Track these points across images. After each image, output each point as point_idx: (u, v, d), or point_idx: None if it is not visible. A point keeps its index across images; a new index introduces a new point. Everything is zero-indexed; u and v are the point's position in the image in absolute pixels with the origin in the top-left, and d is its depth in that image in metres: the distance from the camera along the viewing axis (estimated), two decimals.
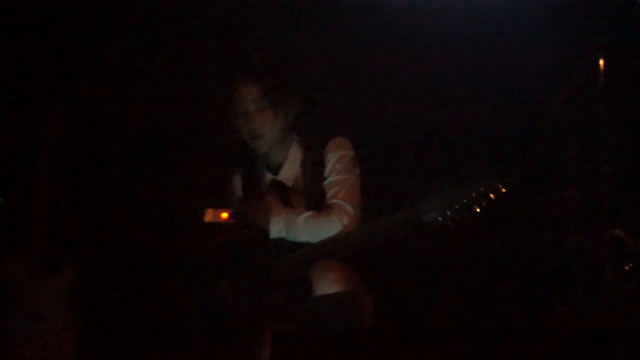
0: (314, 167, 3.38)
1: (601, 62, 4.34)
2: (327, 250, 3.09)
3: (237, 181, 3.59)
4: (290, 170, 3.43)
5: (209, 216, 4.29)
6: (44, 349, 3.70)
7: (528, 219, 4.81)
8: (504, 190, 3.01)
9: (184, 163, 4.66)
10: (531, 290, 4.55)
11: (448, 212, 2.99)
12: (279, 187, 3.42)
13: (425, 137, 4.90)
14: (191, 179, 4.59)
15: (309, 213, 3.23)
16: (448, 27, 4.85)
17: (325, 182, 3.34)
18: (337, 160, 3.36)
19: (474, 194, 2.99)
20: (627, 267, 4.16)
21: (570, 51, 4.62)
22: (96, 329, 4.08)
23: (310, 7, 4.96)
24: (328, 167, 3.36)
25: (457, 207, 2.99)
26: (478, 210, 3.02)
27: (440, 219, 3.00)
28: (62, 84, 4.49)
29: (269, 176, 3.47)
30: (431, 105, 4.94)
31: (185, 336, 3.39)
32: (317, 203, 3.33)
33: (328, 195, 3.32)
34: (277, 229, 3.24)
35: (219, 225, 3.81)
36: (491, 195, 2.99)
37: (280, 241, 3.25)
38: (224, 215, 4.16)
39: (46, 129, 3.85)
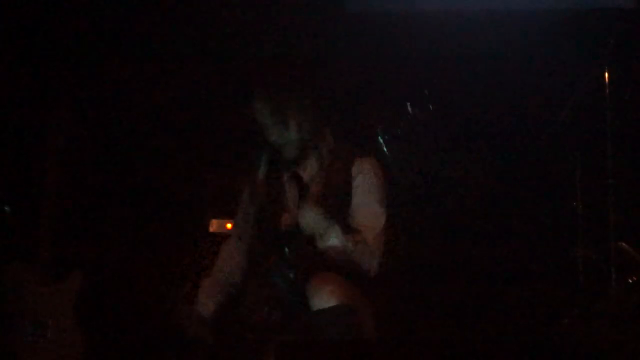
0: (338, 175, 3.37)
1: (607, 74, 4.35)
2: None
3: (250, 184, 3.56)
4: (311, 169, 3.42)
5: (213, 226, 4.31)
6: (48, 356, 3.71)
7: (534, 230, 4.81)
8: None
9: (192, 170, 4.68)
10: (536, 301, 4.55)
11: None
12: (297, 180, 3.39)
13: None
14: (199, 185, 4.60)
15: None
16: (460, 39, 4.87)
17: (353, 201, 3.34)
18: (368, 181, 3.37)
19: None
20: (631, 280, 4.16)
21: (577, 63, 4.63)
22: (101, 336, 4.08)
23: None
24: (358, 183, 3.36)
25: None
26: None
27: None
28: (68, 93, 4.51)
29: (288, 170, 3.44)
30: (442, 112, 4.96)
31: (189, 344, 3.39)
32: (332, 208, 3.29)
33: (355, 218, 3.30)
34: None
35: (224, 235, 3.82)
36: None
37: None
38: (229, 225, 4.17)
39: (52, 137, 3.87)
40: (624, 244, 4.29)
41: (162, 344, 3.92)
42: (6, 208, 4.24)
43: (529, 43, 4.89)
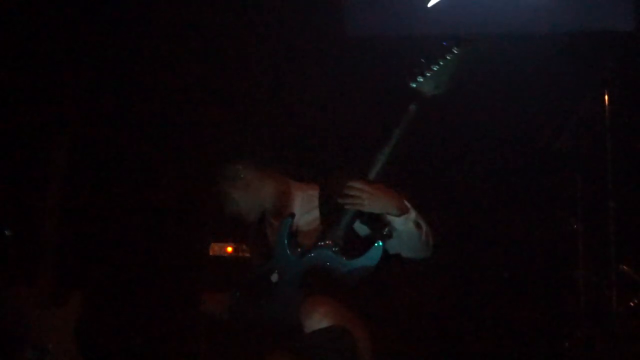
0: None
1: (606, 96, 4.37)
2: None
3: None
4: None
5: (213, 250, 4.31)
6: None
7: (535, 252, 4.81)
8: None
9: (195, 191, 4.68)
10: (537, 323, 4.54)
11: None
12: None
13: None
14: (203, 207, 4.60)
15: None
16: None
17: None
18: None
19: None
20: (632, 304, 4.14)
21: (577, 85, 4.65)
22: None
23: None
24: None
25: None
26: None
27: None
28: (70, 116, 4.53)
29: None
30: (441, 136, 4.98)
31: None
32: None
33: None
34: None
35: (224, 259, 3.82)
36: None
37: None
38: (229, 249, 4.17)
39: (53, 161, 3.88)
40: (624, 266, 4.29)
41: None
42: (7, 232, 4.25)
43: (529, 66, 4.91)
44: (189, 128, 4.89)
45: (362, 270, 3.08)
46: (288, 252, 3.16)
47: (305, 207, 3.30)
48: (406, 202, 3.14)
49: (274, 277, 3.16)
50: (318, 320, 2.93)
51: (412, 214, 3.11)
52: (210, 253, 4.30)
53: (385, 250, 3.09)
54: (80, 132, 4.10)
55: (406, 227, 3.10)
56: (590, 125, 4.45)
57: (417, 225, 3.12)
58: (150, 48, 4.90)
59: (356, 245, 3.12)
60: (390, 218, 3.10)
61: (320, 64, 5.06)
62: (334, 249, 3.11)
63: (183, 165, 4.77)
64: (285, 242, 3.16)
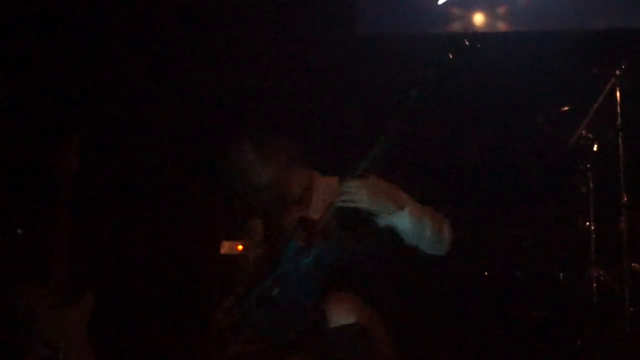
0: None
1: (618, 93, 4.35)
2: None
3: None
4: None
5: (225, 248, 4.30)
6: None
7: (546, 251, 4.79)
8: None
9: (202, 193, 4.69)
10: (549, 323, 4.53)
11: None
12: (307, 222, 3.37)
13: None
14: (213, 206, 4.60)
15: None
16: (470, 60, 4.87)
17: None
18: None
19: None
20: None
21: (590, 82, 4.63)
22: (113, 359, 4.09)
23: None
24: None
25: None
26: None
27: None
28: (83, 116, 4.55)
29: None
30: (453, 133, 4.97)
31: None
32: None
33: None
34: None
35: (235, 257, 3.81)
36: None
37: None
38: (240, 247, 4.17)
39: (66, 160, 3.89)
40: (637, 265, 4.27)
41: None
42: (19, 230, 4.26)
43: (540, 63, 4.90)
44: (202, 125, 4.89)
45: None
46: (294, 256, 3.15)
47: (325, 201, 3.28)
48: (402, 194, 3.07)
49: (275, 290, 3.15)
50: (344, 316, 2.91)
51: (407, 210, 3.03)
52: (221, 251, 4.30)
53: (400, 246, 3.06)
54: (92, 130, 4.13)
55: (404, 225, 3.03)
56: (603, 122, 4.43)
57: (418, 220, 3.03)
58: (165, 47, 4.91)
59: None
60: (388, 218, 3.06)
61: (332, 61, 5.06)
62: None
63: (195, 163, 4.78)
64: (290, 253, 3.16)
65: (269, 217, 3.38)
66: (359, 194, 3.01)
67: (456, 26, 5.02)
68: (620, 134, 4.36)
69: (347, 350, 2.89)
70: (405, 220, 3.03)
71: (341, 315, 2.93)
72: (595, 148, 4.48)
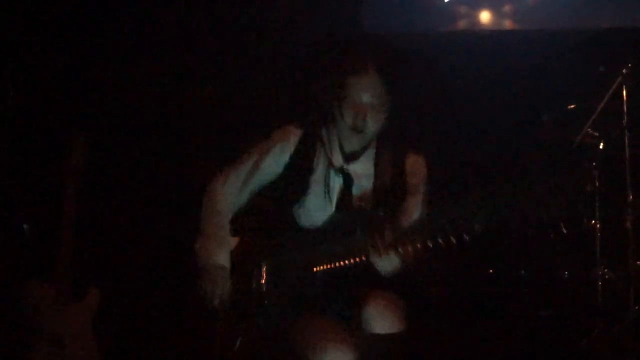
0: (391, 172, 3.23)
1: (624, 92, 4.34)
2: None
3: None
4: (362, 167, 3.25)
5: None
6: None
7: (552, 250, 4.78)
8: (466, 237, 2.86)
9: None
10: (554, 322, 4.52)
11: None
12: (348, 178, 3.24)
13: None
14: None
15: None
16: (478, 58, 4.89)
17: (407, 199, 3.16)
18: (422, 182, 3.22)
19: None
20: None
21: (597, 81, 4.62)
22: (117, 356, 4.10)
23: None
24: (412, 181, 3.20)
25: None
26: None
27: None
28: (87, 114, 4.56)
29: (337, 163, 3.26)
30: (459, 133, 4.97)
31: None
32: (384, 205, 3.15)
33: (407, 217, 3.11)
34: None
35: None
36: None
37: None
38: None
39: (72, 159, 3.90)
40: None
41: None
42: (25, 226, 4.27)
43: (547, 61, 4.90)
44: (207, 127, 4.90)
45: None
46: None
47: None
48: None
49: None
50: (390, 323, 2.86)
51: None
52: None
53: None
54: (98, 129, 4.14)
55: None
56: (609, 121, 4.42)
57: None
58: (171, 47, 4.92)
59: None
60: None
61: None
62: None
63: (198, 163, 4.78)
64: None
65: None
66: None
67: (463, 24, 5.01)
68: (626, 132, 4.35)
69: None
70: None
71: (392, 321, 2.87)
72: (601, 147, 4.48)
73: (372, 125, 3.12)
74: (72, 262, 3.84)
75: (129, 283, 4.55)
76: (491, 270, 4.85)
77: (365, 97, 3.09)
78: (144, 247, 4.66)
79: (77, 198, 3.88)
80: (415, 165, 3.27)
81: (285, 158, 3.29)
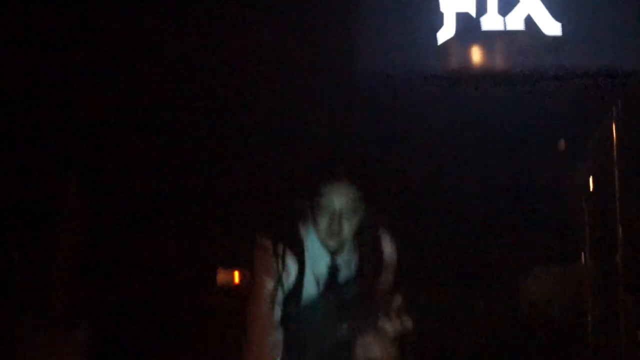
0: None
1: (614, 132, 4.40)
2: None
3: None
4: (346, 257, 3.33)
5: (220, 277, 4.33)
6: None
7: (546, 281, 4.80)
8: None
9: (201, 225, 4.70)
10: (548, 344, 4.52)
11: None
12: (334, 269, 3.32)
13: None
14: (207, 240, 4.63)
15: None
16: (471, 116, 4.96)
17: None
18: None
19: None
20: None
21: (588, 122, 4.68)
22: None
23: None
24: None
25: None
26: None
27: None
28: (81, 145, 4.59)
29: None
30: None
31: None
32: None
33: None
34: None
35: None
36: None
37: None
38: (236, 280, 4.18)
39: (64, 189, 3.94)
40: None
41: None
42: (14, 256, 4.29)
43: (539, 101, 4.95)
44: (210, 142, 4.91)
45: None
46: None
47: None
48: None
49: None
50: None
51: None
52: (218, 282, 4.32)
53: None
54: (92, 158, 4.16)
55: None
56: (599, 159, 4.47)
57: None
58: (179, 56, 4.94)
59: None
60: None
61: (330, 101, 5.11)
62: None
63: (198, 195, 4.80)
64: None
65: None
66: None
67: (455, 66, 5.06)
68: (616, 169, 4.39)
69: None
70: None
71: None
72: (590, 185, 4.52)
73: (348, 228, 3.20)
74: (66, 293, 3.86)
75: (121, 315, 4.55)
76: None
77: (335, 204, 3.16)
78: (136, 279, 4.66)
79: (69, 230, 3.91)
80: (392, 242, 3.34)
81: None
